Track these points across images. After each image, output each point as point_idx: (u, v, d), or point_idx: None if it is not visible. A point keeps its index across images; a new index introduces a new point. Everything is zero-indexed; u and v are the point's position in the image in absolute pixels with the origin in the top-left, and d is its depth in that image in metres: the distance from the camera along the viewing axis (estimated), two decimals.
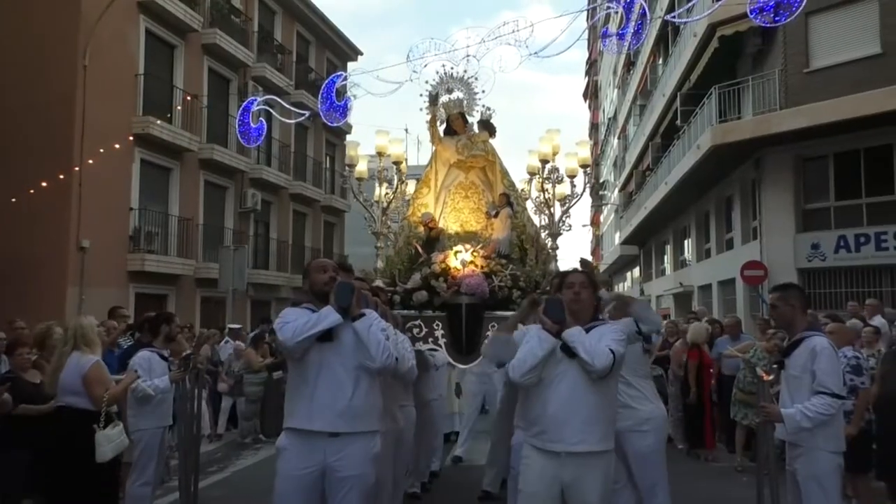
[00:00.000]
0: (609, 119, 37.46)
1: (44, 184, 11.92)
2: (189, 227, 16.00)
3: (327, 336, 3.28)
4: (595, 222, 45.06)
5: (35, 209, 12.25)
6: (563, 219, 5.81)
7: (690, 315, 11.41)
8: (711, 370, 8.28)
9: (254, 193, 18.46)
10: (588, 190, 5.78)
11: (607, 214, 39.24)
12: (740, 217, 16.02)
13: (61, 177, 12.37)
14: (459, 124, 5.98)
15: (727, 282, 16.58)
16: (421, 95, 5.97)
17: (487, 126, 6.00)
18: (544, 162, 5.83)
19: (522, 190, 6.17)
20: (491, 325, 4.97)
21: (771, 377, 4.07)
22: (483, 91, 5.87)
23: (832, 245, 13.18)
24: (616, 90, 33.31)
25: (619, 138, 32.79)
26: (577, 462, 3.12)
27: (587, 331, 3.20)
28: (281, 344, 3.43)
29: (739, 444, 7.53)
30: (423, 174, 6.24)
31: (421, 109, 6.00)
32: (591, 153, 47.56)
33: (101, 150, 12.67)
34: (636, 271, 32.74)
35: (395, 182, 6.13)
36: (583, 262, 5.33)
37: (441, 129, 6.08)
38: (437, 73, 5.90)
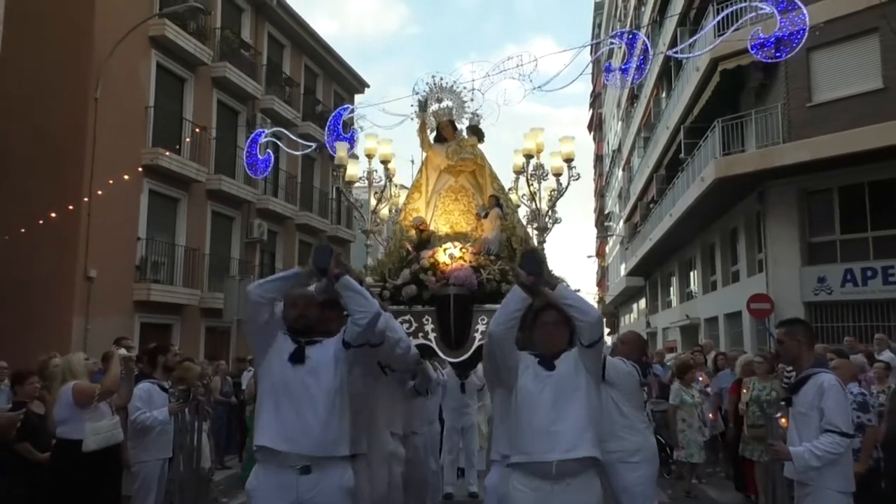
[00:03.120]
0: (613, 151, 37.71)
1: (53, 213, 12.04)
2: (195, 256, 16.07)
3: (299, 358, 3.25)
4: (600, 253, 45.04)
5: (44, 238, 12.32)
6: (549, 212, 5.76)
7: (696, 348, 11.32)
8: None
9: (260, 224, 18.56)
10: (572, 182, 5.68)
11: (613, 245, 39.23)
12: (745, 249, 15.98)
13: (70, 207, 12.48)
14: (449, 131, 6.02)
15: (734, 314, 16.48)
16: (412, 105, 6.04)
17: (476, 131, 6.03)
18: (528, 157, 5.81)
19: (510, 189, 6.13)
20: (481, 318, 4.92)
21: (779, 415, 4.02)
22: (472, 99, 5.91)
23: (838, 278, 13.12)
24: (620, 122, 33.60)
25: (623, 170, 32.96)
26: (568, 485, 3.06)
27: (558, 355, 3.24)
28: (247, 296, 3.30)
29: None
30: (415, 180, 6.28)
31: (411, 118, 6.05)
32: (596, 184, 48.02)
33: (111, 181, 12.81)
34: (642, 303, 32.58)
35: (385, 181, 6.12)
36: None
37: (431, 136, 6.13)
38: (427, 82, 5.94)
